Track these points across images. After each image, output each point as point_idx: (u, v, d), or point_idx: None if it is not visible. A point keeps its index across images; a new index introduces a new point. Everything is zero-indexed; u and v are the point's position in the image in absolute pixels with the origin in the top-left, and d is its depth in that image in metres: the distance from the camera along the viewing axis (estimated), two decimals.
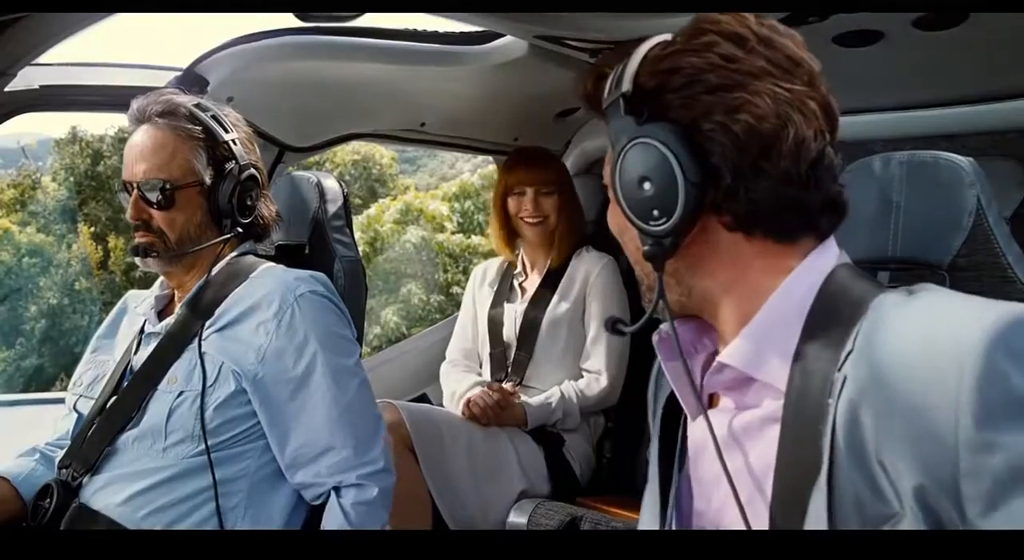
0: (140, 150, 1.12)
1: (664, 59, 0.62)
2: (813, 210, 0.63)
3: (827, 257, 0.65)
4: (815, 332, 0.60)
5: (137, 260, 1.14)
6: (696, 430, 0.69)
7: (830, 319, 0.60)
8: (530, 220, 1.83)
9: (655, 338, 0.70)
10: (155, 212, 1.11)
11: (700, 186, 0.60)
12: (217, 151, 1.14)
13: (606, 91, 0.65)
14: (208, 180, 1.13)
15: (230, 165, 1.13)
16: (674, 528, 0.71)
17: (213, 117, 1.14)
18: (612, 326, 0.72)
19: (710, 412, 0.67)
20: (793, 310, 0.62)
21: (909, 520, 0.51)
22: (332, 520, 1.06)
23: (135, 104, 1.14)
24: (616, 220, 0.69)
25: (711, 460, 0.64)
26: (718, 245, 0.64)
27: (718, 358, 0.64)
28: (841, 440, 0.54)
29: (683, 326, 0.70)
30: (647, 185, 0.61)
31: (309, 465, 1.06)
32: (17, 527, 1.08)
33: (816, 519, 0.55)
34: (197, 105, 1.14)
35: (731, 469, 0.61)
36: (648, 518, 0.75)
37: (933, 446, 0.49)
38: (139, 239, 1.12)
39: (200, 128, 1.13)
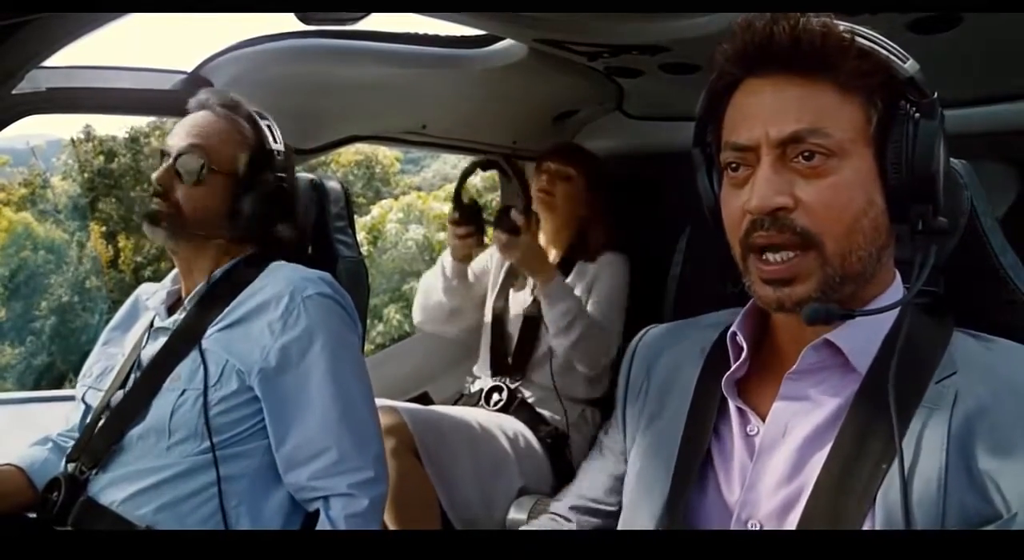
0: (191, 127, 1.15)
1: None
2: None
3: None
4: (907, 339, 0.64)
5: (145, 226, 1.15)
6: (768, 428, 0.69)
7: (917, 333, 0.65)
8: (540, 193, 1.84)
9: (736, 334, 0.72)
10: (179, 185, 1.13)
11: None
12: (260, 155, 1.17)
13: None
14: (242, 177, 1.15)
15: (267, 173, 1.16)
16: (683, 518, 0.71)
17: (268, 126, 1.19)
18: None
19: (781, 405, 0.69)
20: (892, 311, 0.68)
21: (1021, 519, 0.57)
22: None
23: (199, 95, 1.20)
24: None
25: (782, 457, 0.67)
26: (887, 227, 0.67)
27: (827, 336, 0.66)
28: (954, 445, 0.60)
29: (747, 327, 0.73)
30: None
31: (301, 467, 1.06)
32: (26, 519, 1.10)
33: (889, 505, 0.60)
34: (257, 112, 1.20)
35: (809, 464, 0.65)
36: (644, 503, 0.76)
37: None
38: (153, 205, 1.13)
39: (251, 128, 1.17)
